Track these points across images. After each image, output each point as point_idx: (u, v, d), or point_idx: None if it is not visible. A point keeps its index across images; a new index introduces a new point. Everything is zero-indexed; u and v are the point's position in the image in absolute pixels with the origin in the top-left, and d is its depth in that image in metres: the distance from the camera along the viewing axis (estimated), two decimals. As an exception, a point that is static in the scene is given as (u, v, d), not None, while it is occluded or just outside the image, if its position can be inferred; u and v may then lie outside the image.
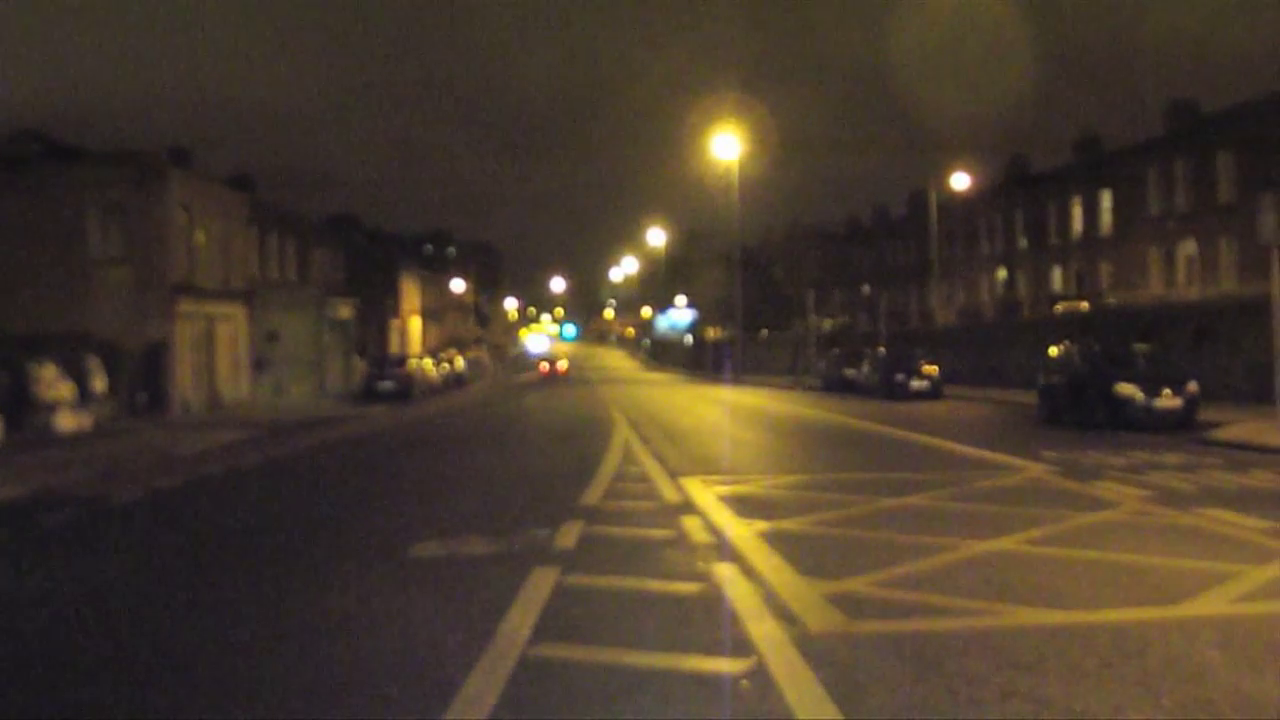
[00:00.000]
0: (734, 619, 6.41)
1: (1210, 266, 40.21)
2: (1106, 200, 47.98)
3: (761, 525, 9.75)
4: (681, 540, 9.13)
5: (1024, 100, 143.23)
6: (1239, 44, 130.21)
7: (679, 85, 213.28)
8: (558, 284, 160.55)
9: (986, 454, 15.86)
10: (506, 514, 10.92)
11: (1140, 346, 23.14)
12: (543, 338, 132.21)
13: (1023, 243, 55.54)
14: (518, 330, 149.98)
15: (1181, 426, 19.13)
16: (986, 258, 59.41)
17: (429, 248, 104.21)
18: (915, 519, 10.06)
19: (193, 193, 33.62)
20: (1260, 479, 12.55)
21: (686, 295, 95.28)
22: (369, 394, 38.99)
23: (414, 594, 7.46)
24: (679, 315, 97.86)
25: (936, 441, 18.17)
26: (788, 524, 9.82)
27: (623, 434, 21.02)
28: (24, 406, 23.12)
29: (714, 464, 15.47)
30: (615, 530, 9.71)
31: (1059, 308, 42.44)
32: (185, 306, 32.12)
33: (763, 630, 6.11)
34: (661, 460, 15.80)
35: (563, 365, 76.28)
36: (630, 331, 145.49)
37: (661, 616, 6.57)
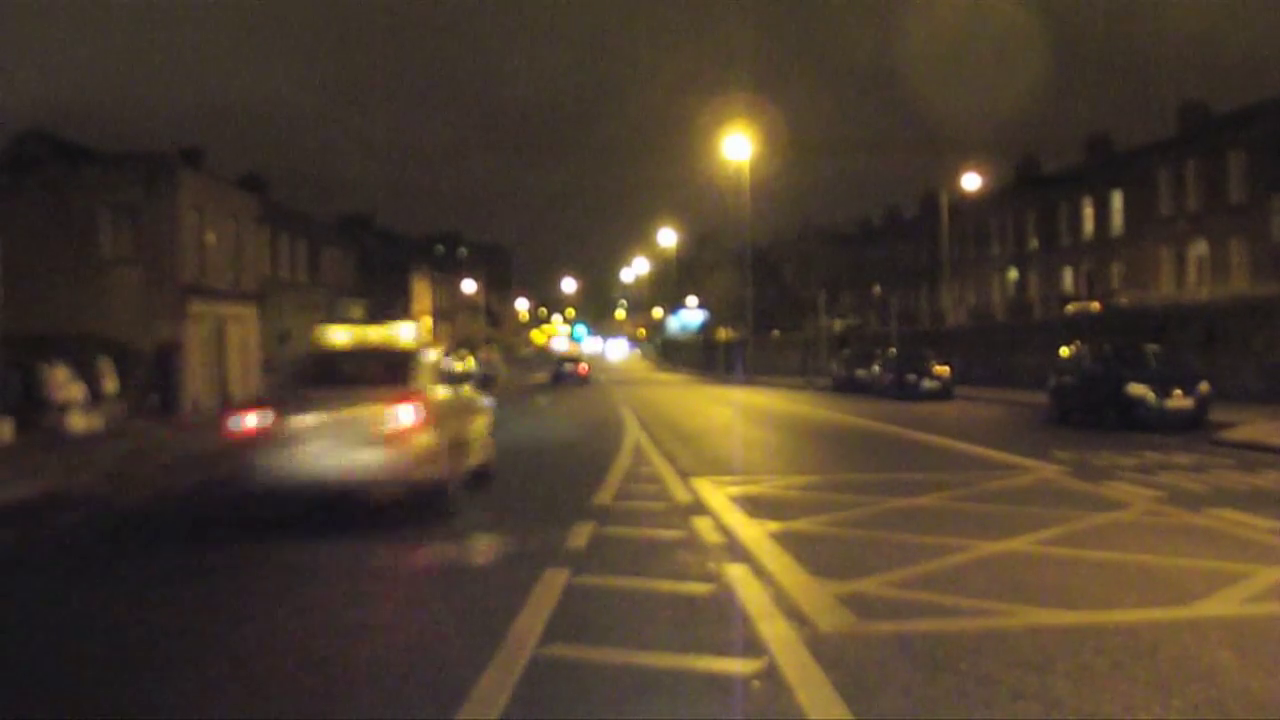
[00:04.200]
0: (745, 619, 6.42)
1: (1221, 267, 40.09)
2: (1117, 201, 47.85)
3: (773, 526, 9.76)
4: (693, 541, 9.14)
5: (1035, 101, 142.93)
6: (1250, 45, 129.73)
7: (690, 86, 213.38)
8: (568, 284, 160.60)
9: (997, 454, 15.83)
10: (517, 514, 10.95)
11: (1151, 347, 23.03)
12: (621, 341, 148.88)
13: (1034, 243, 55.40)
14: (529, 331, 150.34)
15: (1193, 427, 19.05)
16: (997, 258, 59.28)
17: (440, 248, 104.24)
18: (926, 519, 10.05)
19: (204, 193, 33.73)
20: (1271, 479, 12.50)
21: (698, 296, 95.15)
22: None
23: (426, 594, 7.49)
24: (690, 316, 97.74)
25: (947, 442, 18.14)
26: (799, 524, 9.82)
27: (634, 434, 21.02)
28: (35, 407, 23.18)
29: (725, 464, 15.46)
30: (626, 531, 9.73)
31: (1070, 308, 42.33)
32: (196, 307, 32.22)
33: (774, 631, 6.12)
34: (672, 461, 15.80)
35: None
36: (642, 332, 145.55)
37: (673, 617, 6.59)
